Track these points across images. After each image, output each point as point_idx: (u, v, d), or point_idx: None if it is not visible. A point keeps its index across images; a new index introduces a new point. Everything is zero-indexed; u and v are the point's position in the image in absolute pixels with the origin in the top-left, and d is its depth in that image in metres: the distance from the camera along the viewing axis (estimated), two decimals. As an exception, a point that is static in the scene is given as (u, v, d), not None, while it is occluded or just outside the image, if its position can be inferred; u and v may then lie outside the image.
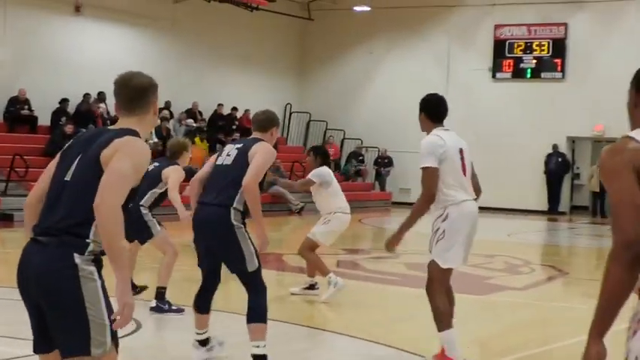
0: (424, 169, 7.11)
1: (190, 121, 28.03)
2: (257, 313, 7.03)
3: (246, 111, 28.56)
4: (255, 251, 7.12)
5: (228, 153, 7.31)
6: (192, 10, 29.22)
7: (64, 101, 25.49)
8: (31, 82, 24.94)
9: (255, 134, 7.47)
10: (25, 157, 21.95)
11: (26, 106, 24.75)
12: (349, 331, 9.12)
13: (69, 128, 23.70)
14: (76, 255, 4.17)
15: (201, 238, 7.26)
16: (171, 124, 26.98)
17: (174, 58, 28.97)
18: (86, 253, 4.19)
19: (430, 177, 7.08)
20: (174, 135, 25.14)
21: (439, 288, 7.21)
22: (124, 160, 4.18)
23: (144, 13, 28.12)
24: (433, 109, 7.35)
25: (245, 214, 7.16)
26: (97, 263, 4.25)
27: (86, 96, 25.66)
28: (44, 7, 25.83)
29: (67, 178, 4.28)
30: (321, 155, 11.28)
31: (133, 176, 4.22)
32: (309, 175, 11.02)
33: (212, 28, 30.18)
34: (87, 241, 4.19)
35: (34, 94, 24.84)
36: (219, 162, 7.35)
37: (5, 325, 8.58)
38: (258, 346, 7.00)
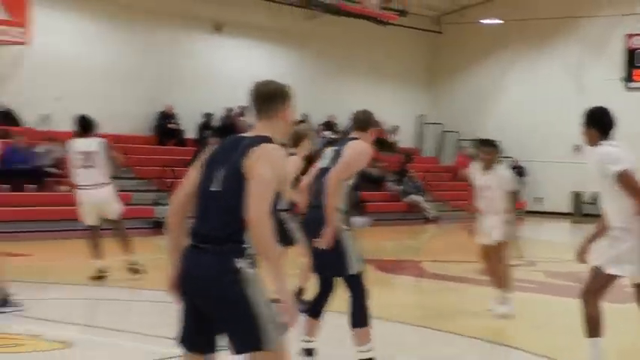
0: (621, 172, 6.47)
1: (328, 133, 28.18)
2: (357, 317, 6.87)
3: (381, 123, 28.56)
4: (358, 254, 6.89)
5: (327, 155, 7.17)
6: (324, 25, 29.39)
7: (208, 115, 26.04)
8: (177, 98, 25.53)
9: (353, 134, 7.18)
10: (173, 168, 22.49)
11: (173, 121, 25.34)
12: (498, 339, 8.87)
13: (213, 141, 24.17)
14: (236, 260, 4.30)
15: (310, 241, 7.05)
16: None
17: (308, 72, 29.17)
18: (245, 257, 4.32)
19: (631, 177, 6.48)
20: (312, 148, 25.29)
21: (598, 295, 6.78)
22: (265, 168, 4.25)
23: (279, 29, 28.42)
24: (607, 124, 6.86)
25: (347, 213, 6.91)
26: (254, 264, 4.35)
27: (229, 110, 26.15)
28: (188, 27, 26.42)
29: (213, 188, 4.35)
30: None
31: (274, 182, 4.28)
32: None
33: (344, 42, 30.24)
34: (244, 245, 4.31)
35: (180, 109, 25.43)
36: (320, 165, 7.19)
37: (162, 327, 8.73)
38: (361, 351, 6.83)
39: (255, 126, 4.58)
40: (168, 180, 22.30)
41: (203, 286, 4.32)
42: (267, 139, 4.42)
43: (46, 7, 22.46)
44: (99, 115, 22.82)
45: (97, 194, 11.82)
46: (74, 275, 12.42)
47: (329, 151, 7.22)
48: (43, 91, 22.72)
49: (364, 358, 6.84)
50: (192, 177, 4.54)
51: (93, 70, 24.07)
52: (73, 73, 23.49)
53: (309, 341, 7.24)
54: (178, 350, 4.63)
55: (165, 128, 25.17)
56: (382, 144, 27.15)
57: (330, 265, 6.89)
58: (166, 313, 9.71)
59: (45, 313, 9.49)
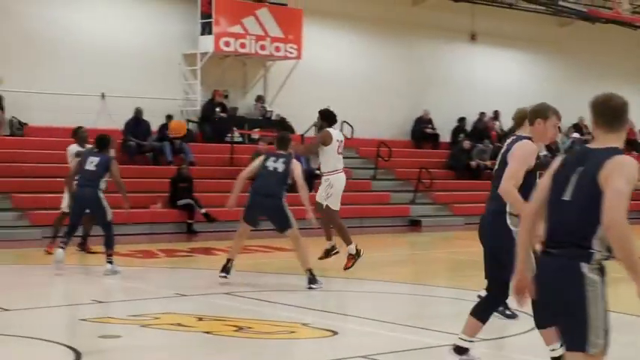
0: None
1: (576, 134, 27.73)
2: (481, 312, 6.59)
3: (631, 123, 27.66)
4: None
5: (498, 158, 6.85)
6: (575, 32, 28.83)
7: (461, 120, 26.32)
8: (433, 104, 26.02)
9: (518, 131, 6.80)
10: (429, 170, 23.00)
11: (429, 125, 25.81)
12: None
13: (466, 144, 24.43)
14: (582, 264, 4.40)
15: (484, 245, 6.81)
16: (559, 138, 26.79)
17: (559, 77, 28.66)
18: (592, 262, 4.41)
19: None
20: (561, 148, 24.96)
21: None
22: (620, 180, 4.30)
23: (532, 37, 28.16)
24: None
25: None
26: (601, 271, 4.44)
27: (482, 114, 26.28)
28: (444, 37, 26.79)
29: (566, 197, 4.47)
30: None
31: (629, 191, 4.33)
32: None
33: (596, 47, 29.50)
34: (591, 251, 4.40)
35: (436, 114, 25.89)
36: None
37: (418, 319, 9.18)
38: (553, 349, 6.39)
39: (598, 137, 4.59)
40: (424, 181, 22.82)
41: (550, 287, 4.51)
42: (618, 151, 4.47)
43: (316, 24, 23.55)
44: (363, 121, 23.96)
45: None
46: (334, 270, 13.13)
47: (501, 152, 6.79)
48: (313, 100, 23.86)
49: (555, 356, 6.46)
50: (544, 186, 4.66)
51: (358, 80, 24.99)
52: (340, 84, 24.50)
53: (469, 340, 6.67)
54: (434, 340, 4.95)
55: (422, 132, 25.68)
56: (631, 144, 26.36)
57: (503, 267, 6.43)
58: (423, 305, 10.23)
59: (312, 303, 10.19)
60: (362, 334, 8.40)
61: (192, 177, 18.82)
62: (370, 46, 25.51)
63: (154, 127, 20.50)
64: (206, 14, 21.94)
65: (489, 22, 27.29)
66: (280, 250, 14.85)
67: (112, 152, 12.70)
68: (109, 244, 11.79)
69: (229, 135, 21.89)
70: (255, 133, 22.38)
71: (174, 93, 22.11)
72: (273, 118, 23.24)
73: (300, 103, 23.44)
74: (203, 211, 18.52)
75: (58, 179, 17.97)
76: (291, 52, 22.88)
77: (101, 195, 11.81)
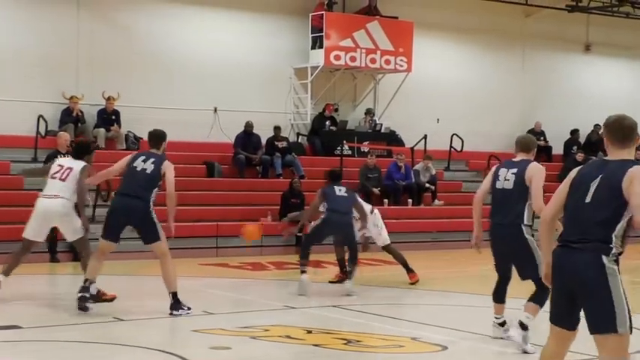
0: None
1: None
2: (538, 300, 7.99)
3: None
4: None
5: (506, 177, 8.29)
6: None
7: (574, 132, 25.80)
8: (545, 116, 25.60)
9: (519, 155, 8.43)
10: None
11: (542, 137, 25.36)
12: None
13: (579, 156, 23.90)
14: (603, 256, 5.05)
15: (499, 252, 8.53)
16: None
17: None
18: (610, 255, 5.06)
19: None
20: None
21: None
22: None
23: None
24: None
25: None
26: (617, 262, 5.08)
27: (596, 126, 25.69)
28: (557, 48, 26.36)
29: (587, 200, 5.13)
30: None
31: None
32: None
33: None
34: (610, 245, 5.06)
35: (548, 126, 25.46)
36: (498, 186, 8.35)
37: (534, 335, 9.04)
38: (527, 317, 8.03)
39: (612, 152, 5.27)
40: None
41: (574, 277, 5.12)
42: (635, 162, 5.11)
43: (426, 36, 23.47)
44: (473, 134, 23.76)
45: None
46: (441, 283, 13.03)
47: (506, 173, 8.43)
48: (423, 113, 23.81)
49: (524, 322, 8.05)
50: (561, 192, 5.35)
51: (468, 92, 24.78)
52: (449, 96, 24.35)
53: (499, 317, 8.62)
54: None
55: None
56: None
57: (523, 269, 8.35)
58: (540, 320, 10.04)
59: (421, 317, 10.14)
60: (473, 349, 8.33)
61: (303, 192, 18.99)
62: (481, 57, 25.27)
63: (264, 140, 20.76)
64: (317, 28, 22.15)
65: (604, 32, 26.71)
66: (388, 263, 14.82)
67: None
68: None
69: (339, 148, 22.00)
70: (365, 146, 22.44)
71: (285, 107, 22.37)
72: (383, 130, 23.24)
73: (410, 115, 23.42)
74: (312, 224, 18.61)
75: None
76: (401, 65, 22.87)
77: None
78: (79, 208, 10.53)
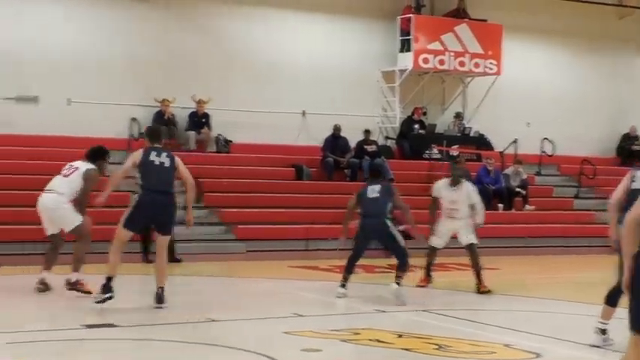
0: None
1: None
2: None
3: None
4: None
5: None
6: None
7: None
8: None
9: None
10: (636, 188, 22.08)
11: (637, 142, 24.85)
12: None
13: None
14: None
15: None
16: None
17: None
18: None
19: None
20: None
21: None
22: None
23: None
24: None
25: None
26: None
27: (692, 130, 25.05)
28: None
29: None
30: None
31: None
32: None
33: None
34: None
35: (642, 130, 24.97)
36: (634, 187, 8.20)
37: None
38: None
39: None
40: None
41: None
42: None
43: (515, 39, 23.19)
44: (565, 138, 23.36)
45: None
46: (532, 290, 12.84)
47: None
48: (512, 117, 23.52)
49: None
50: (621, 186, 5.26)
51: (558, 95, 24.40)
52: (540, 99, 24.01)
53: (604, 323, 8.33)
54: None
55: (629, 149, 24.72)
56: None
57: None
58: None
59: (512, 323, 10.00)
60: (567, 357, 8.18)
61: (392, 196, 18.88)
62: (572, 60, 24.86)
63: (352, 143, 20.78)
64: (405, 32, 22.09)
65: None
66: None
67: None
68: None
69: (427, 152, 21.88)
70: (454, 150, 22.27)
71: (373, 110, 22.37)
72: (472, 134, 23.05)
73: (499, 119, 23.17)
74: (401, 228, 18.54)
75: (261, 195, 18.58)
76: (490, 68, 22.65)
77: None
78: (82, 206, 10.94)
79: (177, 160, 10.22)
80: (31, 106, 18.66)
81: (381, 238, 11.44)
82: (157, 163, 10.00)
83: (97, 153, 11.32)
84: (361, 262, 11.99)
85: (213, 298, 11.57)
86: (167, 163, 10.03)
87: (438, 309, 10.67)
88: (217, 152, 20.06)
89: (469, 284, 12.60)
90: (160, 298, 10.01)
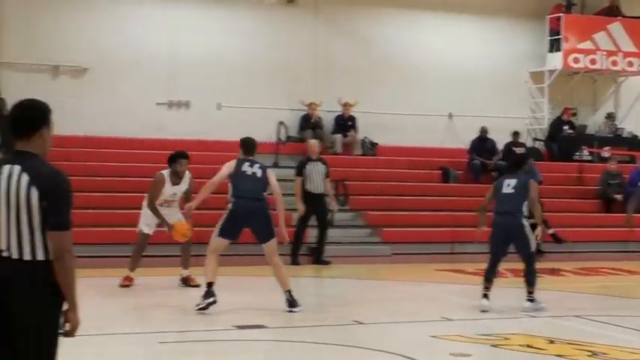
0: None
1: None
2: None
3: None
4: None
5: None
6: None
7: None
8: None
9: None
10: None
11: None
12: None
13: None
14: None
15: None
16: None
17: None
18: None
19: None
20: None
21: None
22: None
23: None
24: None
25: None
26: None
27: None
28: None
29: None
30: None
31: None
32: None
33: None
34: None
35: None
36: None
37: None
38: None
39: None
40: None
41: None
42: None
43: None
44: None
45: None
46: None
47: None
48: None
49: None
50: None
51: None
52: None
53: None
54: None
55: None
56: None
57: None
58: None
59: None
60: None
61: (541, 198, 18.50)
62: None
63: (500, 145, 20.47)
64: (555, 31, 21.60)
65: None
66: (630, 272, 14.21)
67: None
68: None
69: (577, 153, 21.32)
70: (605, 152, 21.62)
71: (521, 111, 21.97)
72: (625, 135, 22.31)
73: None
74: (551, 231, 18.15)
75: (407, 197, 18.52)
76: (642, 68, 21.89)
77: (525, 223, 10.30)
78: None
79: (269, 171, 10.39)
80: (183, 111, 19.22)
81: (516, 239, 10.34)
82: (249, 173, 10.13)
83: (169, 158, 11.94)
84: (509, 265, 11.75)
85: (359, 301, 11.61)
86: (259, 173, 10.18)
87: (590, 314, 10.36)
88: (363, 155, 20.12)
89: (621, 289, 12.20)
90: (290, 303, 10.01)
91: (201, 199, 10.41)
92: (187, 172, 11.87)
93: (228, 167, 10.20)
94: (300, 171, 15.17)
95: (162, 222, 11.59)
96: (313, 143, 15.67)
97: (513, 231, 10.22)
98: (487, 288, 10.44)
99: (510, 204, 10.26)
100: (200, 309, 9.76)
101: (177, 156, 11.86)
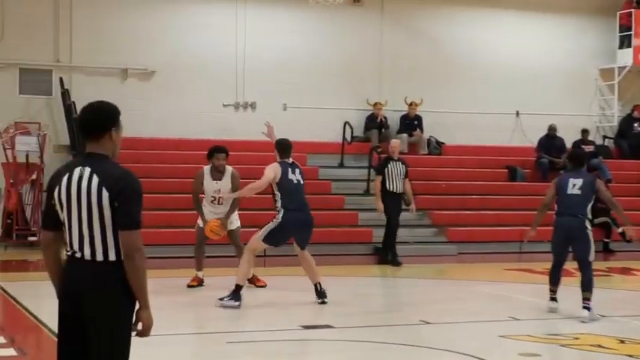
0: None
1: None
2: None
3: None
4: None
5: None
6: None
7: None
8: None
9: None
10: None
11: None
12: None
13: None
14: None
15: None
16: None
17: None
18: None
19: None
20: None
21: None
22: None
23: None
24: None
25: None
26: None
27: None
28: None
29: None
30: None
31: None
32: None
33: None
34: None
35: None
36: None
37: None
38: None
39: None
40: None
41: None
42: None
43: None
44: None
45: None
46: None
47: None
48: None
49: None
50: None
51: None
52: None
53: None
54: None
55: None
56: None
57: None
58: None
59: None
60: None
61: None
62: None
63: (568, 144, 20.20)
64: (625, 27, 21.27)
65: None
66: None
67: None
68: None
69: (648, 151, 20.98)
70: (677, 149, 21.20)
71: (590, 109, 21.67)
72: (696, 132, 21.85)
73: None
74: (620, 230, 17.88)
75: (473, 196, 18.40)
76: None
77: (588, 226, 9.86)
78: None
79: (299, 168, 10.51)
80: (249, 112, 19.36)
81: (578, 241, 9.80)
82: (295, 181, 10.26)
83: (208, 153, 11.75)
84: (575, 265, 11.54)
85: (427, 300, 11.56)
86: (301, 179, 10.36)
87: (663, 315, 10.19)
88: (429, 154, 20.03)
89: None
90: (319, 294, 10.28)
91: (241, 195, 10.75)
92: (229, 167, 11.64)
93: (269, 174, 10.17)
94: (380, 170, 15.14)
95: (201, 217, 11.59)
96: (396, 143, 15.58)
97: (575, 233, 9.77)
98: (553, 291, 10.13)
99: (576, 205, 9.79)
100: (223, 306, 9.97)
101: (214, 150, 11.69)
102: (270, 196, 10.46)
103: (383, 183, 14.89)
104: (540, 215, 10.18)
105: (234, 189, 11.27)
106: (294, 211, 10.13)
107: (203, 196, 11.76)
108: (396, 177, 14.89)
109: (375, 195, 15.18)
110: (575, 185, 9.87)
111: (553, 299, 10.15)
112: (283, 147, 10.53)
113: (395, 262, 14.97)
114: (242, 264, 10.23)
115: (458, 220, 17.76)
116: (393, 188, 14.88)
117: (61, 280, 4.37)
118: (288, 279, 12.49)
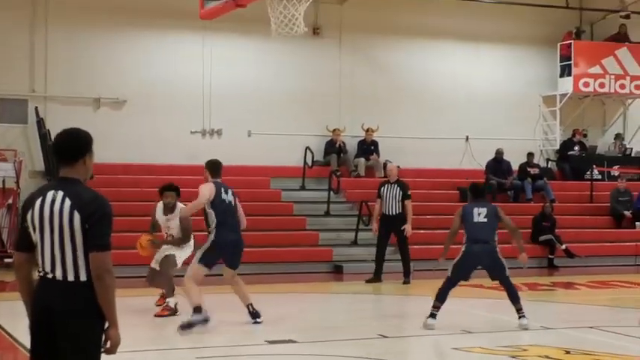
0: None
1: None
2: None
3: None
4: None
5: None
6: None
7: None
8: None
9: None
10: None
11: None
12: None
13: None
14: None
15: None
16: None
17: None
18: None
19: None
20: None
21: None
22: None
23: None
24: None
25: None
26: None
27: None
28: None
29: None
30: None
31: None
32: None
33: None
34: None
35: None
36: None
37: None
38: None
39: None
40: None
41: None
42: None
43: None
44: None
45: None
46: None
47: None
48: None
49: None
50: None
51: None
52: None
53: None
54: None
55: None
56: None
57: None
58: None
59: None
60: None
61: (554, 216, 18.41)
62: None
63: (515, 166, 20.36)
64: (565, 57, 21.54)
65: None
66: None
67: None
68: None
69: (588, 173, 21.19)
70: (615, 170, 21.48)
71: (534, 133, 21.87)
72: (633, 155, 22.14)
73: None
74: (563, 247, 18.03)
75: (427, 217, 18.42)
76: None
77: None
78: None
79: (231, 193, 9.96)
80: (215, 138, 19.27)
81: (491, 266, 9.87)
82: (227, 201, 9.79)
83: (159, 190, 11.24)
84: (524, 280, 11.61)
85: (384, 315, 11.53)
86: (232, 200, 9.88)
87: (605, 326, 10.23)
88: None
89: (635, 301, 12.04)
90: (253, 314, 9.90)
91: (182, 215, 10.49)
92: (178, 204, 10.98)
93: (210, 193, 9.71)
94: (378, 194, 15.14)
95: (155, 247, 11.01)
96: (392, 167, 15.65)
97: (487, 259, 9.76)
98: (437, 308, 9.89)
99: (485, 232, 9.79)
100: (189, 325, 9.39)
101: (163, 189, 11.10)
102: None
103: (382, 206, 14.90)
104: (449, 243, 10.18)
105: (182, 227, 10.77)
106: (228, 231, 9.72)
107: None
108: (389, 200, 14.85)
109: (371, 216, 15.48)
110: (480, 214, 9.86)
111: (433, 316, 9.85)
112: (214, 167, 10.19)
113: (406, 281, 14.92)
114: (187, 292, 9.66)
115: (414, 239, 17.72)
116: (387, 211, 14.88)
117: (32, 299, 4.30)
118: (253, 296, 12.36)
